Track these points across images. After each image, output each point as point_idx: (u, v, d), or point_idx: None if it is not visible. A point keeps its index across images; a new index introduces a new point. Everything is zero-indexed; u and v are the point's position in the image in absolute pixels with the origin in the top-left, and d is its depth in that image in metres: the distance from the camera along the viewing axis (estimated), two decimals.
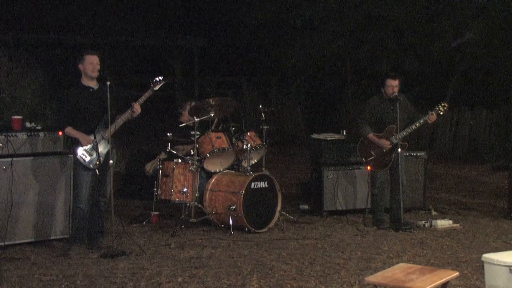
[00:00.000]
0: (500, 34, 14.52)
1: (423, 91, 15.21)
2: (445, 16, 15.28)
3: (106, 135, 6.90)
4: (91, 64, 6.95)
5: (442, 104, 8.24)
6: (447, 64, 16.23)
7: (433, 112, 8.15)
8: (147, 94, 7.13)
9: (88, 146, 6.84)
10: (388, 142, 8.20)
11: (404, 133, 8.17)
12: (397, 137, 8.12)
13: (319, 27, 16.70)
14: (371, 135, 8.26)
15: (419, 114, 8.32)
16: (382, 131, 8.27)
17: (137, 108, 7.01)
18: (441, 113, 8.22)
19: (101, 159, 6.88)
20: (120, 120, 6.98)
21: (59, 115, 7.16)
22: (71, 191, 7.21)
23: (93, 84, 7.02)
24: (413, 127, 8.20)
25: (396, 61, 15.88)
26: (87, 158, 6.85)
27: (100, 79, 7.00)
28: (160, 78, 7.21)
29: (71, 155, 7.08)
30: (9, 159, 7.09)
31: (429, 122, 8.27)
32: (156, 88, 7.20)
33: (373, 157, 8.29)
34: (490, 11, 14.24)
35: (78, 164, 6.90)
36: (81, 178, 6.91)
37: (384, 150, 8.23)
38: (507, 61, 13.41)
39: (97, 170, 6.87)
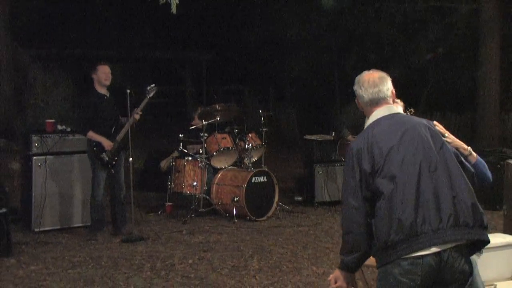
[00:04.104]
0: (466, 49, 14.55)
1: (402, 97, 15.15)
2: (419, 33, 15.29)
3: (119, 137, 6.88)
4: (104, 73, 6.87)
5: (409, 110, 8.22)
6: (422, 74, 16.23)
7: None
8: (144, 102, 6.93)
9: (109, 148, 6.82)
10: None
11: None
12: None
13: (311, 43, 16.72)
14: (350, 137, 8.32)
15: None
16: (359, 133, 8.32)
17: (138, 114, 6.86)
18: None
19: (116, 158, 6.87)
20: (128, 125, 6.90)
21: (81, 120, 7.02)
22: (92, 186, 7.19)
23: (106, 92, 6.97)
24: None
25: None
26: (106, 158, 6.82)
27: (117, 87, 6.95)
28: (153, 85, 6.95)
29: (89, 155, 7.00)
30: (43, 157, 7.11)
31: None
32: (151, 95, 6.93)
33: None
34: (458, 30, 14.26)
35: (98, 163, 6.85)
36: (99, 175, 6.87)
37: None
38: (472, 72, 13.43)
39: (112, 169, 6.86)
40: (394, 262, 2.85)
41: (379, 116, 3.09)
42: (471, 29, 13.31)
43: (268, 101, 18.44)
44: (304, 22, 16.21)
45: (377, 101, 3.12)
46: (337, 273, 3.07)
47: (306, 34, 16.40)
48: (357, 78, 3.21)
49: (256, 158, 8.61)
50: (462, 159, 3.06)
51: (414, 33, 15.42)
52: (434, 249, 2.80)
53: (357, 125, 8.27)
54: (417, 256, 2.81)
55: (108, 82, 6.90)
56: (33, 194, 7.05)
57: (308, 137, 9.49)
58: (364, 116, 9.19)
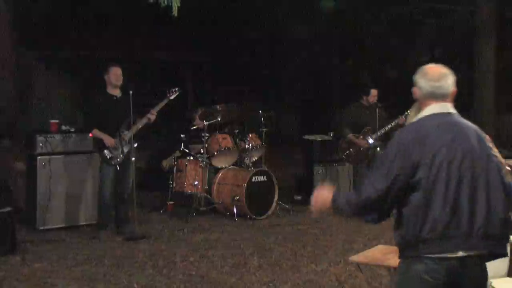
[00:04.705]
0: (462, 50, 14.59)
1: (399, 97, 15.21)
2: (417, 35, 15.33)
3: (127, 136, 6.91)
4: (115, 74, 6.93)
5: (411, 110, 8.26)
6: None
7: (403, 116, 8.19)
8: (163, 103, 7.08)
9: (111, 146, 6.85)
10: (365, 142, 8.27)
11: (379, 134, 8.21)
12: (373, 137, 8.21)
13: (311, 44, 16.75)
14: (350, 136, 8.34)
15: (391, 118, 8.35)
16: (360, 132, 8.34)
17: (153, 115, 6.99)
18: None
19: (122, 156, 6.88)
20: (139, 124, 6.94)
21: (87, 119, 7.14)
22: (99, 184, 7.23)
23: (117, 93, 6.99)
24: (386, 128, 8.22)
25: (375, 73, 15.90)
26: (110, 155, 6.84)
27: (123, 89, 7.00)
28: (176, 88, 7.19)
29: (97, 153, 7.08)
30: (48, 157, 7.14)
31: (400, 124, 8.26)
32: (172, 97, 7.16)
33: (351, 154, 8.38)
34: (456, 31, 14.29)
35: (103, 161, 6.89)
36: (106, 172, 6.90)
37: (361, 148, 8.30)
38: (468, 73, 13.47)
39: (118, 166, 6.87)
40: (420, 258, 2.87)
41: (434, 112, 3.01)
42: (467, 31, 13.34)
43: (268, 101, 18.46)
44: (304, 23, 16.24)
45: (436, 96, 3.03)
46: (327, 197, 3.13)
47: (306, 35, 16.44)
48: (422, 68, 3.12)
49: (256, 158, 8.63)
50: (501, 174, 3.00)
51: (412, 34, 15.45)
52: (460, 253, 2.83)
53: (358, 125, 8.32)
54: (444, 257, 2.83)
55: (118, 83, 6.95)
56: (38, 193, 7.08)
57: (307, 137, 9.52)
58: (364, 116, 9.09)
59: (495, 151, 3.04)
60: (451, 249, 2.82)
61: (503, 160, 3.07)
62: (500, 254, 2.94)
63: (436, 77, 3.05)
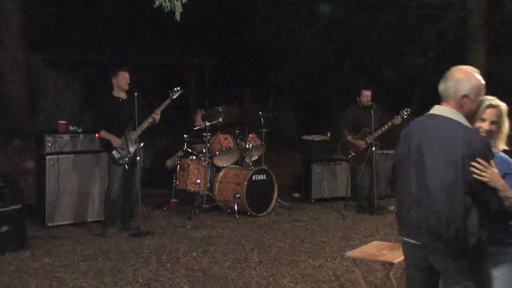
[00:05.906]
0: (454, 54, 14.59)
1: (395, 99, 15.25)
2: (412, 39, 15.33)
3: (134, 136, 6.92)
4: (124, 78, 6.95)
5: (406, 109, 8.27)
6: (414, 77, 16.26)
7: (398, 116, 8.19)
8: (166, 102, 7.08)
9: (118, 146, 6.85)
10: (363, 142, 8.25)
11: (376, 134, 8.21)
12: (371, 137, 8.18)
13: (309, 48, 16.76)
14: (349, 137, 8.33)
15: (388, 118, 8.34)
16: (358, 133, 8.33)
17: (157, 115, 7.01)
18: (405, 116, 8.23)
19: (129, 156, 6.89)
20: (145, 124, 6.97)
21: (95, 121, 7.18)
22: (106, 182, 7.24)
23: (123, 95, 7.01)
24: (383, 129, 8.22)
25: (372, 76, 15.91)
26: (118, 155, 6.85)
27: (128, 91, 7.00)
28: (178, 88, 7.17)
29: (105, 153, 7.09)
30: (56, 156, 7.15)
31: (396, 124, 8.26)
32: (175, 96, 7.13)
33: (351, 154, 8.35)
34: (449, 36, 14.30)
35: (111, 160, 6.91)
36: (113, 171, 6.91)
37: (360, 149, 8.27)
38: None
39: (126, 165, 6.88)
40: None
41: (430, 112, 3.08)
42: (459, 35, 13.36)
43: (268, 103, 18.46)
44: (302, 28, 16.25)
45: (441, 96, 3.06)
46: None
47: (304, 40, 16.44)
48: None
49: (256, 157, 8.64)
50: (483, 192, 2.85)
51: (407, 38, 15.46)
52: (414, 242, 3.02)
53: (356, 126, 8.34)
54: (405, 240, 3.09)
55: (126, 87, 6.96)
56: (47, 191, 7.09)
57: (305, 137, 9.53)
58: (362, 117, 9.11)
59: (490, 176, 2.82)
60: (405, 235, 3.05)
61: (501, 185, 2.83)
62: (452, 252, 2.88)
63: (445, 77, 3.06)
